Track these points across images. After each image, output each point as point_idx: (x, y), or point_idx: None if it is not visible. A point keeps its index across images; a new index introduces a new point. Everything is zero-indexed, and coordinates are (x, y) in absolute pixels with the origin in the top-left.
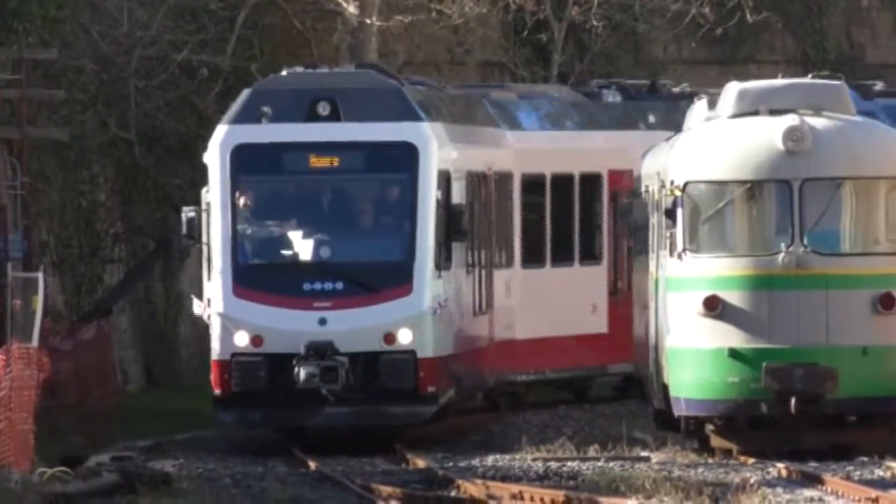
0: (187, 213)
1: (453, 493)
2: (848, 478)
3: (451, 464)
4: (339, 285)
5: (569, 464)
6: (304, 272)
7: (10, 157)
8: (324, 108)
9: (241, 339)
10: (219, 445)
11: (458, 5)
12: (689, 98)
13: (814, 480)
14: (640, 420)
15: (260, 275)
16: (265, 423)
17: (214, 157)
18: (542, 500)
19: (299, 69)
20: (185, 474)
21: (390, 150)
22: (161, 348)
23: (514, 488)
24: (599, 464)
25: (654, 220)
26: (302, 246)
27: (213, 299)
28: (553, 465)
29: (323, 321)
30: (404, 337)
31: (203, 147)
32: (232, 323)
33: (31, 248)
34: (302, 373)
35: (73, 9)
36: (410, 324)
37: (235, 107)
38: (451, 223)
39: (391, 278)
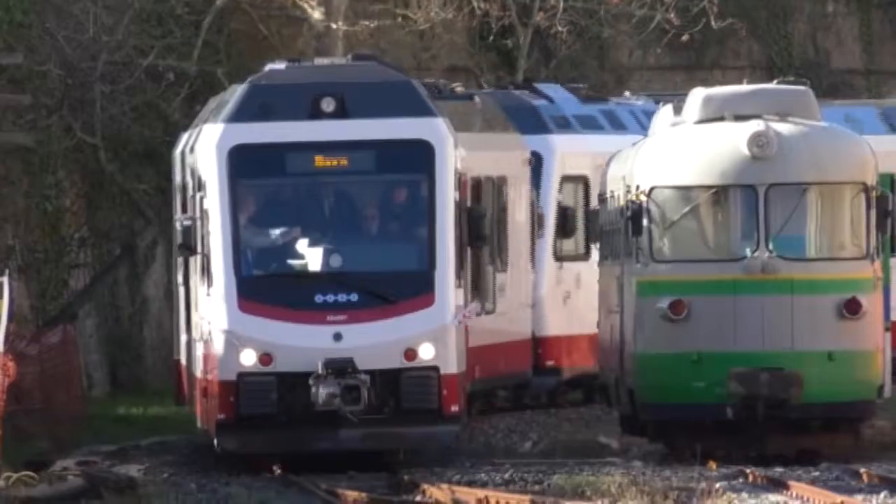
0: (183, 221)
1: (419, 498)
2: (813, 482)
3: (416, 468)
4: (354, 297)
5: (535, 468)
6: (315, 283)
7: None
8: (329, 105)
9: (249, 358)
10: (184, 450)
11: (424, 10)
12: None
13: (779, 485)
14: (606, 425)
15: (267, 287)
16: (275, 450)
17: (210, 159)
18: None
19: (303, 62)
20: (151, 479)
21: (403, 149)
22: (126, 353)
23: (480, 493)
24: (565, 468)
25: (620, 225)
26: (311, 255)
27: (214, 315)
28: (519, 470)
29: (338, 336)
30: (426, 352)
31: (168, 152)
32: (238, 340)
33: None
34: (322, 393)
35: (38, 14)
36: (433, 338)
37: (232, 104)
38: (472, 228)
39: (410, 288)
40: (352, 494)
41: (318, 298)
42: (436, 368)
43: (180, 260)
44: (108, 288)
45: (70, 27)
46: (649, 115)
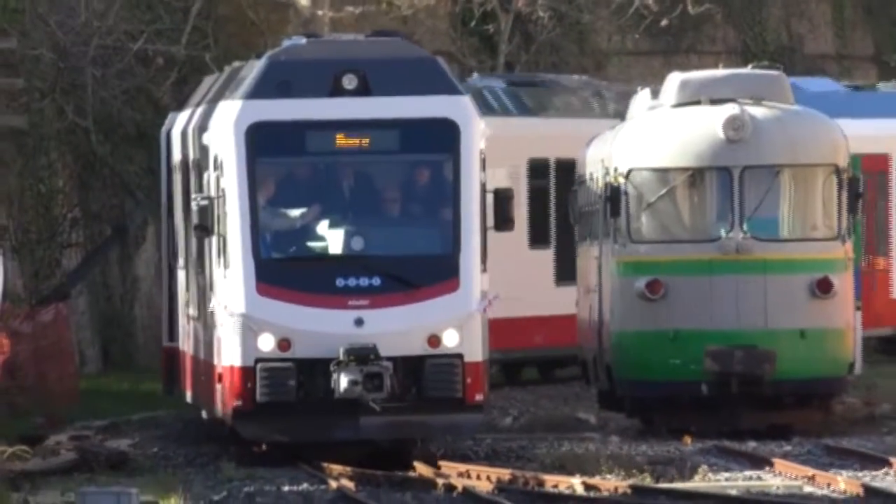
0: (199, 201)
1: (402, 473)
2: (785, 456)
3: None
4: (377, 281)
5: (516, 443)
6: (336, 267)
7: None
8: (350, 82)
9: (267, 343)
10: (173, 425)
11: None
12: None
13: (752, 459)
14: (584, 401)
15: (286, 270)
16: (294, 438)
17: (228, 137)
18: (489, 478)
19: (324, 38)
20: (141, 453)
21: (428, 128)
22: (117, 331)
23: (462, 467)
24: (545, 443)
25: (599, 206)
26: (332, 237)
27: (230, 298)
28: (500, 444)
29: (360, 322)
30: (450, 339)
31: (159, 135)
32: (255, 324)
33: None
34: (343, 380)
35: (31, 0)
36: (457, 324)
37: (250, 80)
38: (499, 210)
39: (435, 273)
40: (336, 468)
41: (340, 282)
42: (460, 356)
43: (174, 240)
44: (99, 267)
45: (62, 12)
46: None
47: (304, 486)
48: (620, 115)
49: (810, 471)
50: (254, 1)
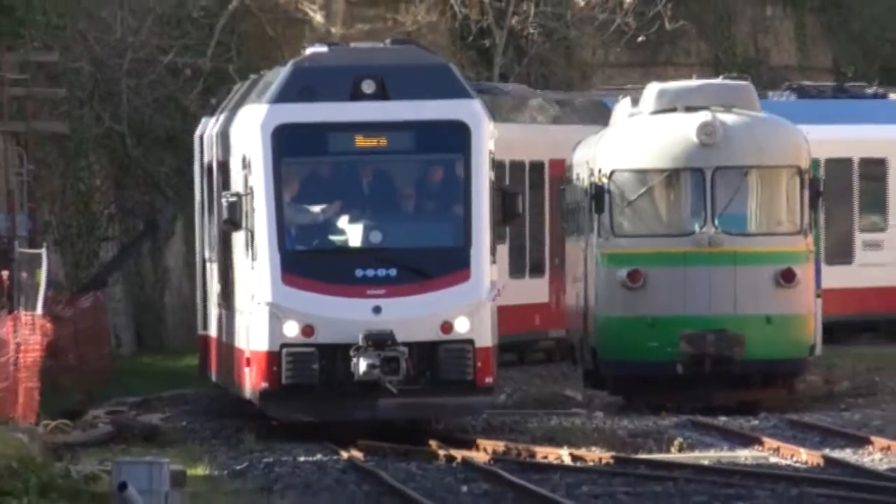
0: (228, 197)
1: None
2: (753, 430)
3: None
4: (393, 272)
5: (509, 418)
6: (355, 258)
7: (17, 148)
8: (369, 86)
9: (291, 329)
10: (200, 401)
11: (412, 15)
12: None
13: (723, 432)
14: (571, 380)
15: (309, 261)
16: (316, 418)
17: (255, 139)
18: (485, 449)
19: (344, 46)
20: (171, 427)
21: (441, 129)
22: (150, 316)
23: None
24: (536, 418)
25: (584, 203)
26: (352, 231)
27: (258, 288)
28: (495, 419)
29: (378, 309)
30: (461, 326)
31: (186, 139)
32: (281, 312)
33: (36, 228)
34: (362, 364)
35: (72, 17)
36: (468, 312)
37: (276, 85)
38: (507, 206)
39: (447, 264)
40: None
41: (359, 273)
42: (471, 341)
43: (208, 235)
44: (133, 259)
45: (100, 29)
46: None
47: (318, 456)
48: (559, 121)
49: (776, 443)
50: (273, 18)
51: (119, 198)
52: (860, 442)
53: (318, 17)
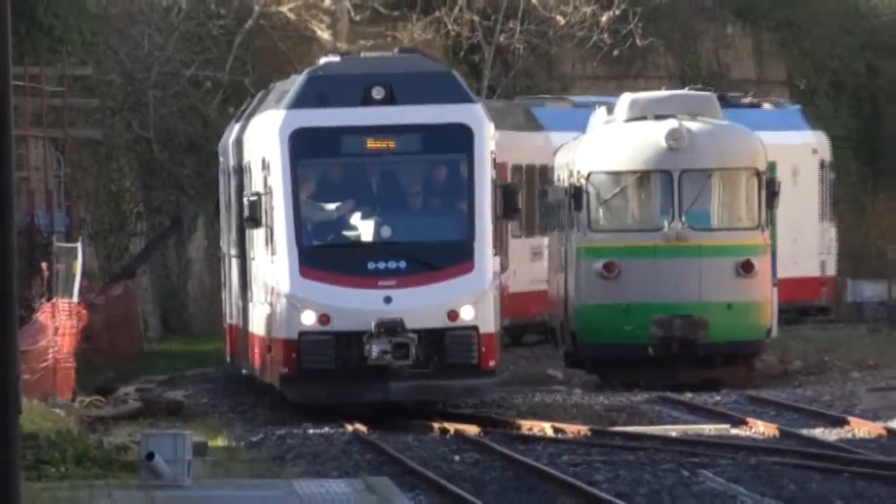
0: (249, 197)
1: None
2: (716, 404)
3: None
4: (403, 264)
5: (497, 395)
6: (367, 252)
7: (56, 152)
8: (378, 93)
9: (309, 319)
10: (220, 380)
11: (409, 32)
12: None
13: (689, 407)
14: (553, 360)
15: (325, 255)
16: (332, 400)
17: (273, 142)
18: (476, 422)
19: (355, 56)
20: (193, 403)
21: (446, 132)
22: (174, 303)
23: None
24: (521, 394)
25: (565, 202)
26: (364, 227)
27: (278, 280)
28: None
29: (388, 299)
30: (467, 313)
31: (207, 145)
32: (299, 302)
33: (72, 224)
34: (374, 349)
35: (104, 35)
36: (473, 301)
37: (293, 92)
38: (507, 202)
39: (453, 257)
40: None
41: (371, 266)
42: (475, 328)
43: (228, 233)
44: (159, 252)
45: (129, 45)
46: None
47: (326, 429)
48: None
49: (736, 416)
50: (284, 35)
51: (146, 197)
52: (812, 415)
53: (325, 35)
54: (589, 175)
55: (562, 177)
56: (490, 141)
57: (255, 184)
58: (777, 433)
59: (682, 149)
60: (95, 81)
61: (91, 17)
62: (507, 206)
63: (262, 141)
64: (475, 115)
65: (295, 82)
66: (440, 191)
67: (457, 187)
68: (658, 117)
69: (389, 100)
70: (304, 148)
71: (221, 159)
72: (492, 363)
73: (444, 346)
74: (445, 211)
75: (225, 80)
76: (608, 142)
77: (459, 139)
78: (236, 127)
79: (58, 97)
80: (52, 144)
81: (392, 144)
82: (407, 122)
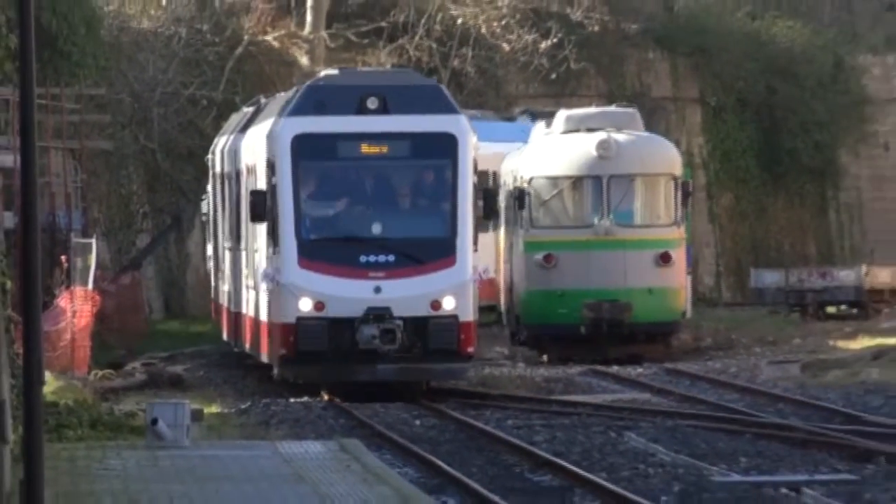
0: (254, 195)
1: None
2: (639, 376)
3: None
4: (392, 258)
5: None
6: (360, 246)
7: (73, 161)
8: (373, 103)
9: (306, 305)
10: (214, 356)
11: (375, 58)
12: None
13: (616, 378)
14: (500, 339)
15: (321, 248)
16: (325, 379)
17: (276, 146)
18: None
19: (351, 69)
20: (191, 376)
21: (433, 140)
22: (175, 290)
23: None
24: (473, 369)
25: (510, 202)
26: (357, 223)
27: (278, 270)
28: None
29: (378, 289)
30: (448, 303)
31: (204, 154)
32: (297, 290)
33: (87, 223)
34: (365, 334)
35: (116, 60)
36: (454, 292)
37: (294, 101)
38: (487, 204)
39: (437, 252)
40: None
41: (363, 258)
42: (456, 317)
43: (222, 228)
44: (162, 246)
45: (137, 69)
46: None
47: (305, 398)
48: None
49: (656, 385)
50: (269, 59)
51: (151, 199)
52: (720, 385)
53: (304, 60)
54: (531, 180)
55: (507, 182)
56: (472, 149)
57: (259, 183)
58: (690, 400)
59: (610, 157)
60: (108, 100)
61: (104, 45)
62: (486, 207)
63: (267, 145)
64: (460, 125)
65: (297, 93)
66: (427, 192)
67: (442, 190)
68: (589, 130)
69: (383, 109)
70: (304, 151)
71: (214, 166)
72: (470, 349)
73: (428, 333)
74: (431, 210)
75: (218, 98)
76: (547, 151)
77: (445, 146)
78: (227, 137)
79: (75, 114)
80: (71, 154)
81: (384, 150)
82: (398, 129)
